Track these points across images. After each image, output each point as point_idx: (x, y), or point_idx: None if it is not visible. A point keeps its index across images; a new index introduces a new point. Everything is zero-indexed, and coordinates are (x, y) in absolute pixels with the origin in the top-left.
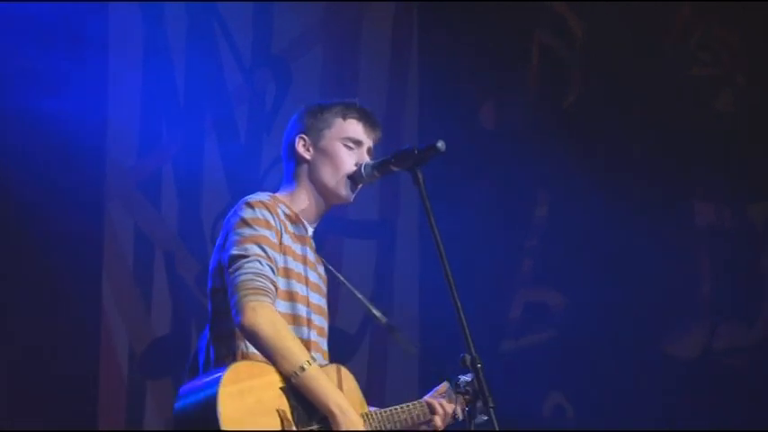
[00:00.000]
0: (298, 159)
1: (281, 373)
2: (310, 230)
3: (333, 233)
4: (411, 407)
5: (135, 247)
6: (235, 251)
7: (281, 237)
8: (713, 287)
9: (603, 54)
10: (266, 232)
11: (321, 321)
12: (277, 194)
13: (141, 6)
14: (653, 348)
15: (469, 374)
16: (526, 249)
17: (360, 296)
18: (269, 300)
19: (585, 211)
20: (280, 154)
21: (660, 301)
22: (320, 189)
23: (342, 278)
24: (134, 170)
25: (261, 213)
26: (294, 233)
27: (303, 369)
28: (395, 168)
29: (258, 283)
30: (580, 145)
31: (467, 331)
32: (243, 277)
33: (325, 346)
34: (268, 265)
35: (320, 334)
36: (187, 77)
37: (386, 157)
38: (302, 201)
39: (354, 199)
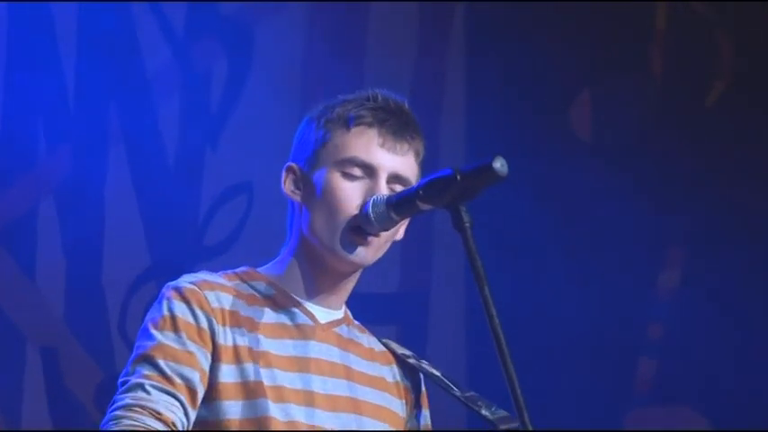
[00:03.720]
0: (291, 204)
1: None
2: (322, 315)
3: None
4: None
5: None
6: (121, 377)
7: (214, 336)
8: None
9: None
10: (170, 338)
11: None
12: (260, 270)
13: None
14: None
15: None
16: (645, 342)
17: (460, 395)
18: None
19: (743, 278)
20: (233, 182)
21: None
22: (317, 249)
23: (432, 370)
24: None
25: (170, 308)
26: (277, 324)
27: None
28: (424, 206)
29: (126, 421)
30: (735, 168)
31: None
32: (107, 417)
33: None
34: (159, 389)
35: None
36: (80, 59)
37: (410, 189)
38: (296, 270)
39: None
